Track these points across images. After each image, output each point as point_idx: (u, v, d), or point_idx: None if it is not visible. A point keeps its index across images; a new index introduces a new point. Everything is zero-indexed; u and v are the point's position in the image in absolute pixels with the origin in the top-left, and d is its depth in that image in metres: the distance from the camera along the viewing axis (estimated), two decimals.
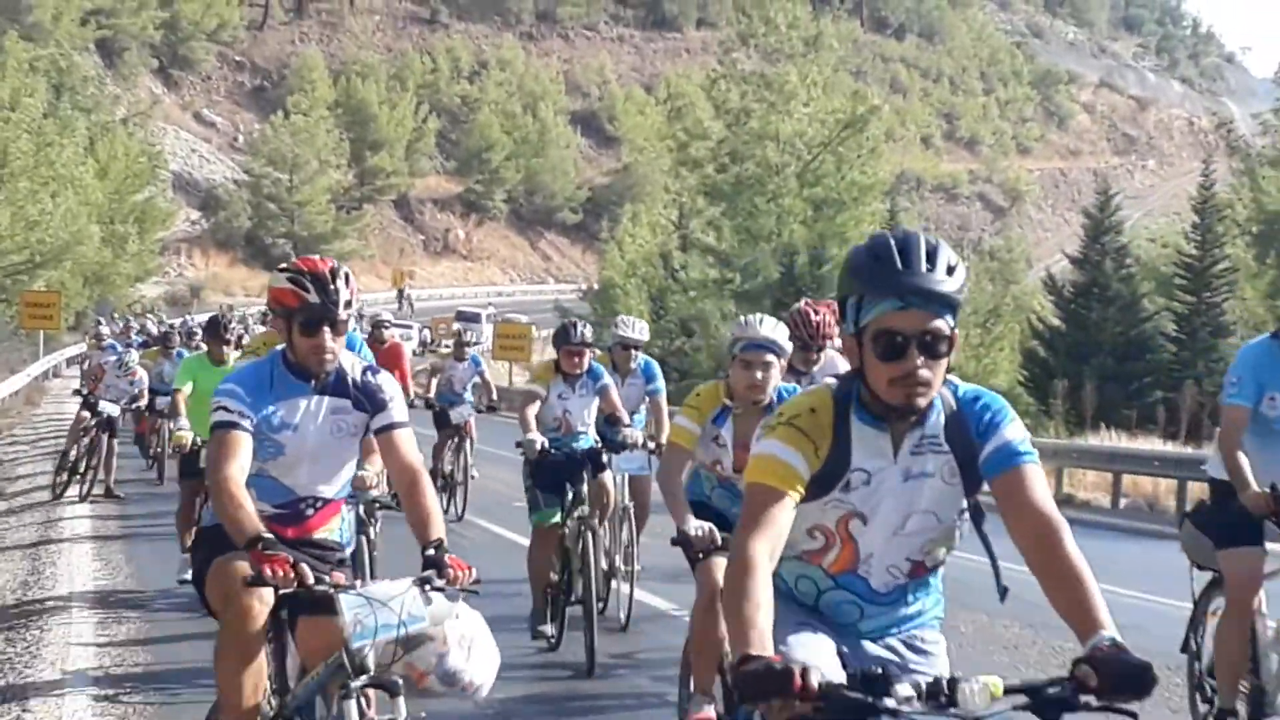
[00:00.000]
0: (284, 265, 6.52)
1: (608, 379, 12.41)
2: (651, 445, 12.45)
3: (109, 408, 21.33)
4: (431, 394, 20.71)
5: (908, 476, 4.37)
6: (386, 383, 6.55)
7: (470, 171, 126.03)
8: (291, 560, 5.65)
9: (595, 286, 70.13)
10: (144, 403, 22.80)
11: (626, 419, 12.47)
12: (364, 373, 6.55)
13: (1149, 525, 23.64)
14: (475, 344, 24.73)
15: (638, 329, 13.48)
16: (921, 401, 4.22)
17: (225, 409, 6.22)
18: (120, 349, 25.81)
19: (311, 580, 5.63)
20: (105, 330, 32.49)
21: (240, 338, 21.78)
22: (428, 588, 5.71)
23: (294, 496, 6.55)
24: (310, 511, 6.60)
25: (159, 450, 24.07)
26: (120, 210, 71.05)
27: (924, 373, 4.16)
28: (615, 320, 14.27)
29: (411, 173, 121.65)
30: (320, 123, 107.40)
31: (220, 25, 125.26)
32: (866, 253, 4.23)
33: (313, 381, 6.46)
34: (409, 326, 72.89)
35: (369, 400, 6.46)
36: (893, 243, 4.20)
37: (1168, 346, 50.39)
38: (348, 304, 6.34)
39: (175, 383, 14.35)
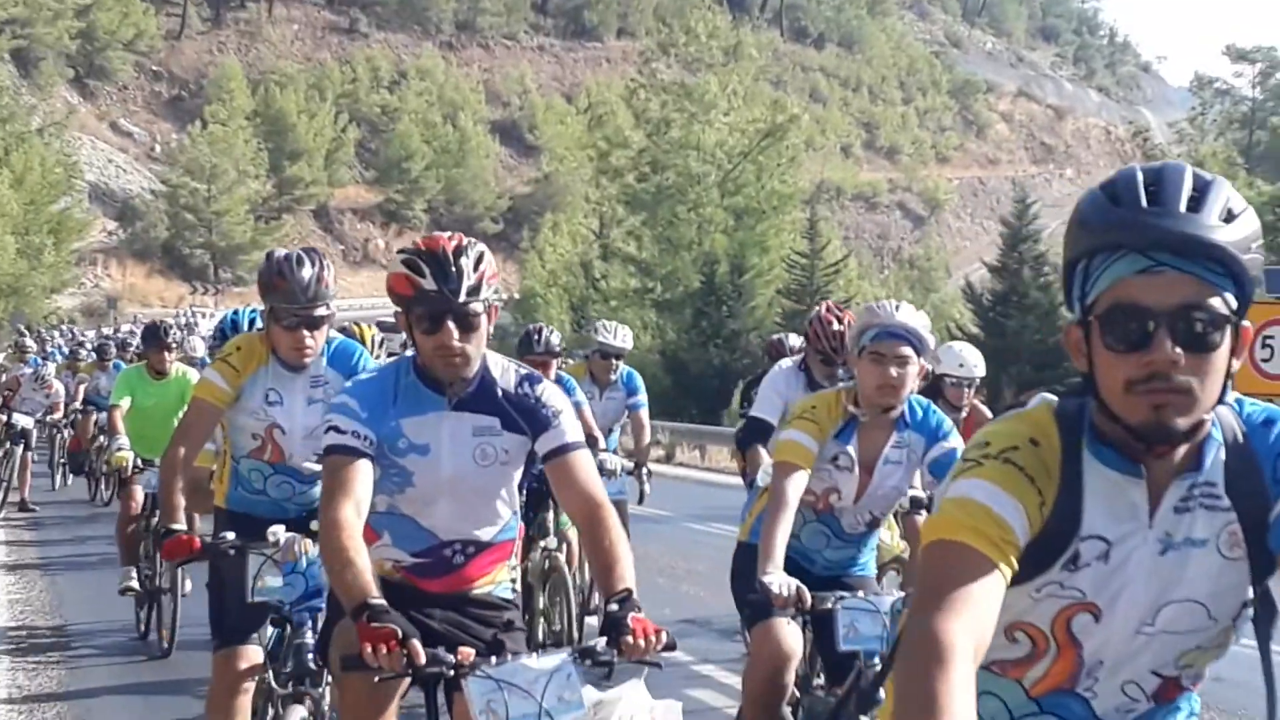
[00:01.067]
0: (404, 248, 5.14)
1: (579, 394, 11.41)
2: (630, 466, 11.65)
3: (23, 420, 21.05)
4: None
5: (1167, 547, 2.84)
6: (550, 395, 5.17)
7: (390, 181, 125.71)
8: (400, 634, 4.36)
9: (516, 296, 70.04)
10: (58, 415, 22.53)
11: (602, 441, 11.57)
12: (521, 383, 5.15)
13: None
14: (394, 355, 24.52)
15: (620, 336, 12.44)
16: (1180, 421, 2.70)
17: (337, 428, 4.95)
18: (39, 361, 25.45)
19: (423, 660, 4.37)
20: (29, 343, 31.91)
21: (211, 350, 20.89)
22: (589, 662, 4.50)
23: (435, 541, 5.20)
24: (460, 560, 5.24)
25: (96, 469, 22.91)
26: (36, 221, 70.29)
27: (1181, 377, 2.66)
28: (595, 325, 13.16)
29: (331, 182, 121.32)
30: (238, 132, 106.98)
31: (137, 35, 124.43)
32: (1102, 192, 2.78)
33: (446, 393, 5.10)
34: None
35: (527, 418, 5.10)
36: (1139, 175, 2.77)
37: None
38: (474, 290, 4.94)
39: (112, 398, 13.35)
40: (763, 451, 8.65)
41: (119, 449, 12.33)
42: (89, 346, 38.90)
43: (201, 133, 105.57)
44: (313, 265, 6.89)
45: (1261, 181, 67.07)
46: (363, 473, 4.86)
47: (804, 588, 5.83)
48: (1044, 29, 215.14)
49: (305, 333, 6.87)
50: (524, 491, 5.40)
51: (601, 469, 9.93)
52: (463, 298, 4.88)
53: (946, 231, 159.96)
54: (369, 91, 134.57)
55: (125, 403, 12.86)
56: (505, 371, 5.16)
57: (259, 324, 8.46)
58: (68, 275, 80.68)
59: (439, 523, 5.16)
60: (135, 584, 12.15)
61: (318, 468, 6.46)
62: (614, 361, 12.33)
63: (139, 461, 12.33)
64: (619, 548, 4.78)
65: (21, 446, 21.09)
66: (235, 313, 10.04)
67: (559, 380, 10.97)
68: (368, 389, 5.08)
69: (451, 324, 4.89)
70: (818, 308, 9.35)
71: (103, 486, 22.45)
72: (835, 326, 8.80)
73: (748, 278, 51.64)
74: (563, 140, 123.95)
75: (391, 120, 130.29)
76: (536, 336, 11.47)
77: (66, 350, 39.81)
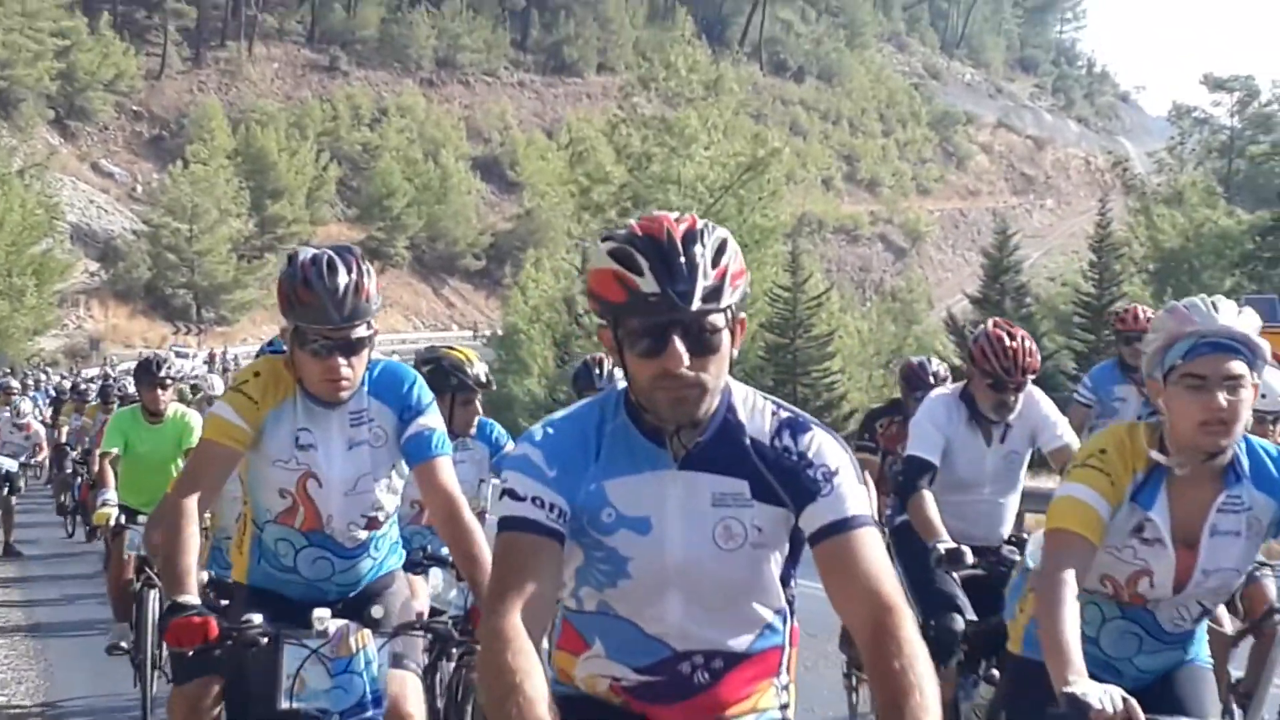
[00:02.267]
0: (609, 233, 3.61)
1: (509, 444, 8.49)
2: None
3: (6, 463, 20.93)
4: None
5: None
6: (823, 448, 3.56)
7: (372, 218, 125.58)
8: None
9: (499, 333, 69.95)
10: (42, 457, 22.43)
11: None
12: (779, 431, 3.57)
13: None
14: None
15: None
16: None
17: (513, 493, 3.52)
18: (17, 400, 25.26)
19: None
20: (14, 384, 31.56)
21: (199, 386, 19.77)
22: None
23: (668, 653, 3.63)
24: (703, 678, 3.64)
25: (75, 509, 22.70)
26: (18, 263, 70.28)
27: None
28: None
29: (313, 220, 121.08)
30: (220, 171, 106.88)
31: (117, 75, 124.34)
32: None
33: (670, 443, 3.57)
34: None
35: (786, 481, 3.54)
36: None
37: (1068, 385, 50.79)
38: (714, 294, 3.41)
39: (102, 444, 11.76)
40: (929, 504, 7.46)
41: (104, 503, 11.18)
42: (81, 388, 38.70)
43: (183, 172, 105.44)
44: (349, 271, 5.31)
45: (1241, 210, 67.41)
46: (547, 561, 3.47)
47: (1131, 699, 4.10)
48: (1022, 60, 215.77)
49: (340, 360, 5.31)
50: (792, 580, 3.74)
51: None
52: (696, 304, 3.39)
53: (928, 263, 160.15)
54: (350, 129, 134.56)
55: (116, 450, 11.44)
56: (756, 412, 3.63)
57: None
58: (50, 317, 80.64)
59: (670, 628, 3.62)
60: (125, 644, 11.04)
61: (364, 535, 5.62)
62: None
63: (122, 518, 11.09)
64: (913, 671, 3.19)
65: (6, 489, 20.99)
66: (273, 343, 7.21)
67: (481, 425, 8.50)
68: (559, 437, 3.61)
69: (679, 342, 3.40)
70: (983, 325, 7.80)
71: (80, 525, 21.79)
72: (1008, 343, 7.50)
73: None
74: (544, 176, 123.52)
75: (373, 157, 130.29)
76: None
77: (52, 392, 39.54)
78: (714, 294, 3.39)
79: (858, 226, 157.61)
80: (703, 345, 3.41)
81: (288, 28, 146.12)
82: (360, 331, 5.35)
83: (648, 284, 3.38)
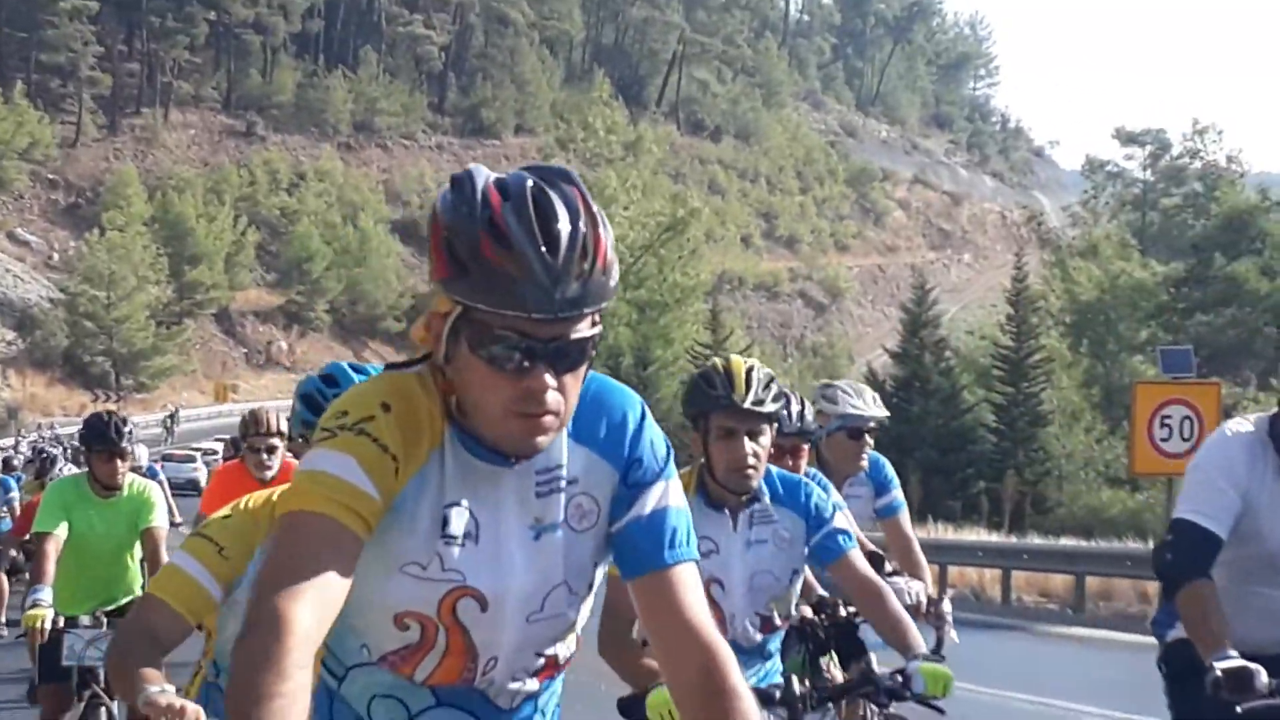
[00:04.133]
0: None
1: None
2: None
3: None
4: None
5: None
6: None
7: (291, 282, 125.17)
8: None
9: None
10: None
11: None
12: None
13: (976, 616, 23.92)
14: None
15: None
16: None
17: None
18: None
19: None
20: None
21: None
22: None
23: None
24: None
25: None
26: None
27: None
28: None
29: (232, 285, 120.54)
30: (137, 238, 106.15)
31: (32, 143, 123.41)
32: None
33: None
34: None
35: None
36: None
37: (988, 437, 51.19)
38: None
39: (37, 524, 8.99)
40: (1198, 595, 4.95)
41: (35, 603, 8.32)
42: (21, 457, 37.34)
43: (99, 240, 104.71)
44: (574, 217, 2.81)
45: (1155, 262, 68.15)
46: None
47: None
48: (937, 116, 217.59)
49: (546, 377, 2.82)
50: None
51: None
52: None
53: (848, 319, 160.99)
54: (268, 194, 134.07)
55: (60, 531, 8.76)
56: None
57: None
58: None
59: None
60: None
61: (535, 687, 3.30)
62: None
63: (59, 619, 8.39)
64: None
65: None
66: (333, 374, 4.78)
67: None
68: None
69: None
70: None
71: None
72: None
73: (652, 370, 51.85)
74: None
75: (291, 222, 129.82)
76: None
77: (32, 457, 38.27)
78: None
79: (777, 283, 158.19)
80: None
81: (204, 94, 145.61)
82: (582, 330, 2.89)
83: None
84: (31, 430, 77.01)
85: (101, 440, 8.73)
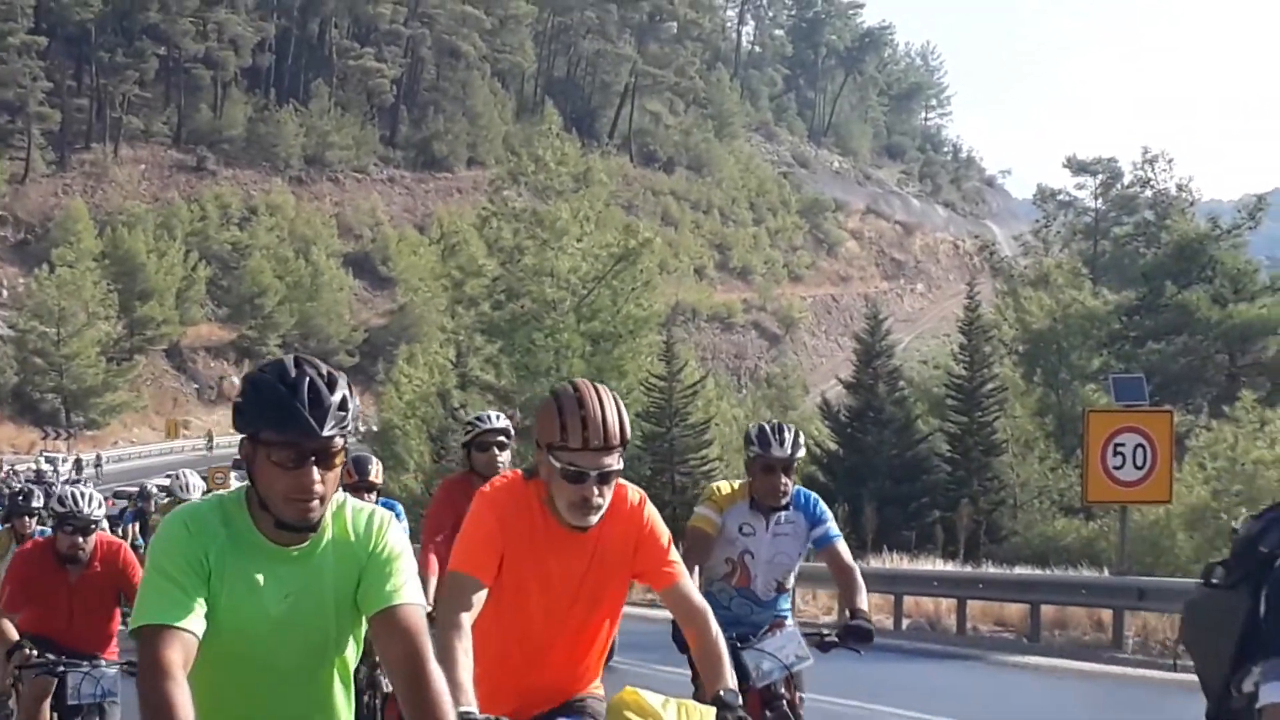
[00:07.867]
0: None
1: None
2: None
3: None
4: None
5: None
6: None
7: (243, 317, 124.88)
8: None
9: (374, 429, 69.52)
10: None
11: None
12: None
13: (931, 645, 23.88)
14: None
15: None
16: None
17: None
18: None
19: None
20: None
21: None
22: None
23: None
24: None
25: None
26: None
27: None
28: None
29: (183, 321, 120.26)
30: (87, 274, 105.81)
31: None
32: None
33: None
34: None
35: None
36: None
37: (943, 467, 51.15)
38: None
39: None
40: None
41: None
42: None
43: (49, 276, 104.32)
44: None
45: (1107, 290, 68.37)
46: None
47: None
48: (889, 147, 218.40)
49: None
50: None
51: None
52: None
53: (802, 349, 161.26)
54: (219, 229, 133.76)
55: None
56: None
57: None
58: None
59: None
60: None
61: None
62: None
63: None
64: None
65: None
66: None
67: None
68: None
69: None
70: None
71: None
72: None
73: None
74: (416, 271, 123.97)
75: (243, 256, 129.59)
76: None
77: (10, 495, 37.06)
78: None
79: (731, 314, 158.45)
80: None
81: (154, 129, 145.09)
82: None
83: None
84: None
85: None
